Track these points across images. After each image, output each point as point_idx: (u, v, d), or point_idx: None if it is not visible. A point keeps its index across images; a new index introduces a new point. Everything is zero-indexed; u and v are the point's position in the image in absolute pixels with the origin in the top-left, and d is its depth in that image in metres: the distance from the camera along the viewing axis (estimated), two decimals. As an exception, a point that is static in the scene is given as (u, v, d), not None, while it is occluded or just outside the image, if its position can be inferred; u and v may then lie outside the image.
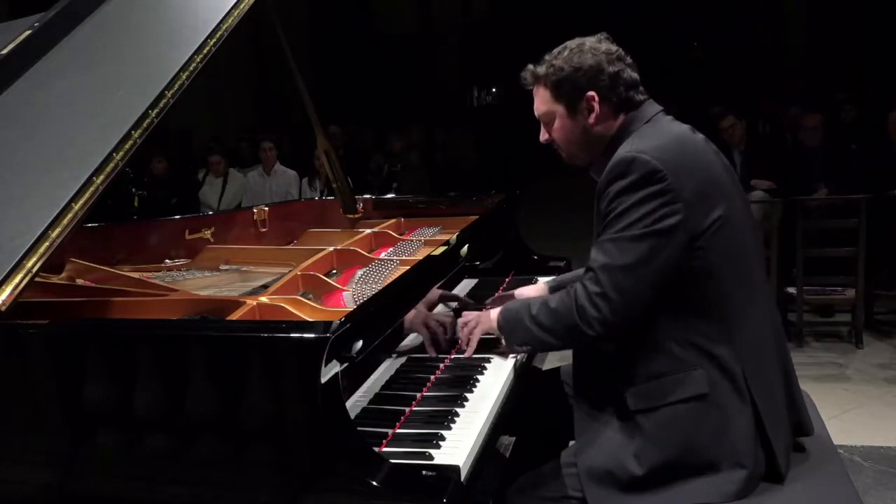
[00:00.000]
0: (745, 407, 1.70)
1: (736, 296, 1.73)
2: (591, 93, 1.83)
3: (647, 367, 1.73)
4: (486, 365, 2.03)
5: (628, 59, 1.87)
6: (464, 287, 2.71)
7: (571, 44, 1.89)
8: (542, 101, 1.92)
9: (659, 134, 1.79)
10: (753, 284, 1.79)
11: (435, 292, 2.27)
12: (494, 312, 2.00)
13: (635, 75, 1.87)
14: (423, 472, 1.47)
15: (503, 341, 1.98)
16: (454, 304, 2.41)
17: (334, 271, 2.50)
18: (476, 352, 2.06)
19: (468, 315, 2.11)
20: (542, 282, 2.45)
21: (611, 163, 1.75)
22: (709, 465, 1.68)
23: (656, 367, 1.72)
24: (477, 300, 2.60)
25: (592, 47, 1.85)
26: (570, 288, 1.77)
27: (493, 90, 20.81)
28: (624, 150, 1.75)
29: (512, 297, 2.39)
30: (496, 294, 2.53)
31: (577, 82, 1.84)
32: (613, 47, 1.87)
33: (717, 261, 1.70)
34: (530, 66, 1.93)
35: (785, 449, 1.76)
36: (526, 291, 2.43)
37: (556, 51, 1.90)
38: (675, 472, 1.69)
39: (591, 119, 1.85)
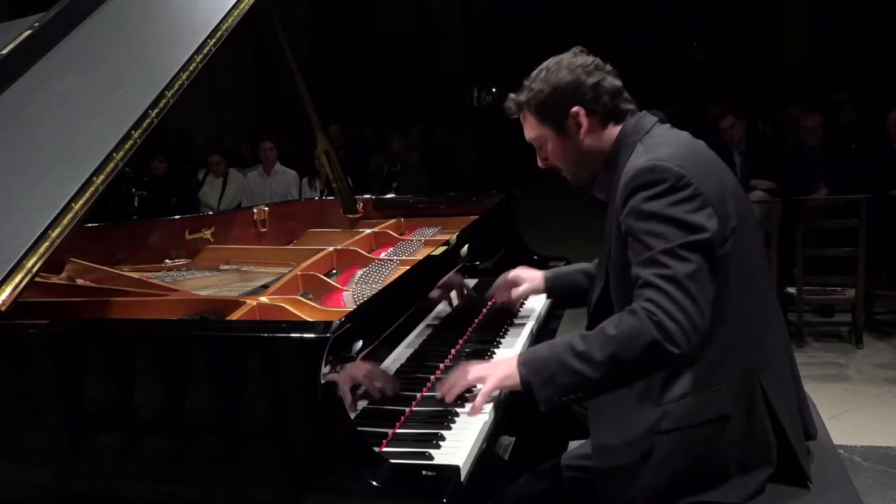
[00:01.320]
0: (763, 415, 1.69)
1: (751, 305, 1.71)
2: (576, 108, 1.80)
3: (669, 386, 1.67)
4: (486, 365, 2.03)
5: (607, 67, 1.84)
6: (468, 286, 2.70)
7: (548, 63, 1.86)
8: (530, 128, 1.89)
9: (668, 141, 1.75)
10: (764, 291, 1.78)
11: (453, 278, 2.26)
12: (508, 365, 1.69)
13: (617, 82, 1.84)
14: (423, 472, 1.47)
15: (484, 397, 1.71)
16: (455, 302, 2.40)
17: (334, 271, 2.50)
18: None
19: (465, 365, 1.79)
20: (540, 271, 2.41)
21: (629, 174, 1.69)
22: (724, 476, 1.67)
23: (680, 386, 1.67)
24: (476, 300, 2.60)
25: (568, 63, 1.83)
26: (629, 310, 1.58)
27: (493, 90, 20.81)
28: (639, 160, 1.70)
29: (515, 281, 2.38)
30: (497, 284, 2.46)
31: (559, 101, 1.81)
32: (590, 59, 1.84)
33: (734, 270, 1.67)
34: (511, 95, 1.91)
35: (804, 448, 1.75)
36: (525, 273, 2.38)
37: (533, 74, 1.87)
38: (690, 484, 1.67)
39: (581, 135, 1.82)
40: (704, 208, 1.61)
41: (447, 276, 2.28)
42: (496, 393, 1.75)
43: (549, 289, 2.40)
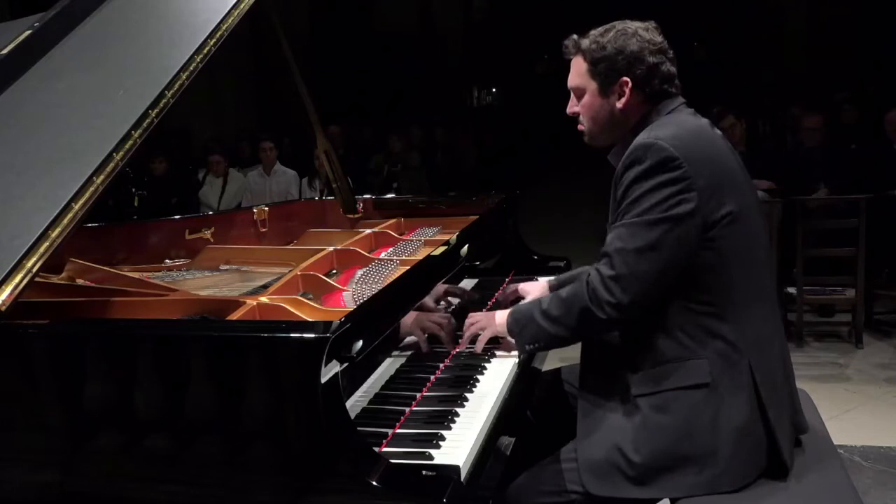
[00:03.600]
0: (748, 398, 1.72)
1: (743, 289, 1.76)
2: (626, 78, 1.84)
3: (653, 354, 1.76)
4: (486, 365, 2.03)
5: (670, 53, 1.88)
6: (463, 287, 2.70)
7: (619, 24, 1.90)
8: (577, 73, 1.92)
9: (677, 124, 1.81)
10: (761, 281, 1.82)
11: (440, 287, 2.29)
12: (503, 315, 1.99)
13: (673, 69, 1.89)
14: (423, 472, 1.47)
15: (513, 343, 1.99)
16: (457, 301, 2.41)
17: (334, 271, 2.50)
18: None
19: (476, 315, 2.11)
20: (544, 280, 2.46)
21: (629, 149, 1.78)
22: (708, 453, 1.69)
23: (662, 354, 1.75)
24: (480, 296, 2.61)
25: (638, 34, 1.85)
26: (582, 275, 1.80)
27: (493, 90, 20.80)
28: (642, 137, 1.77)
29: (515, 292, 2.42)
30: (497, 294, 2.53)
31: (616, 65, 1.85)
32: (658, 38, 1.87)
33: (726, 254, 1.73)
34: (574, 36, 1.94)
35: (789, 442, 1.77)
36: (528, 287, 2.43)
37: (602, 28, 1.90)
38: (674, 460, 1.70)
39: (620, 104, 1.86)
40: (687, 192, 1.69)
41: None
42: (516, 357, 2.05)
43: None
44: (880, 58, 12.14)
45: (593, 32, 1.91)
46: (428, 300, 2.28)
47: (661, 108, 1.87)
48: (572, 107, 1.96)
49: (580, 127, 1.97)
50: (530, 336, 1.90)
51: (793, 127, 7.03)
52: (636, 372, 1.78)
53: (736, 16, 16.92)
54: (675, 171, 1.69)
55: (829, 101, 8.41)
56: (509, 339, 2.01)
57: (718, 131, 1.88)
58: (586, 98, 1.91)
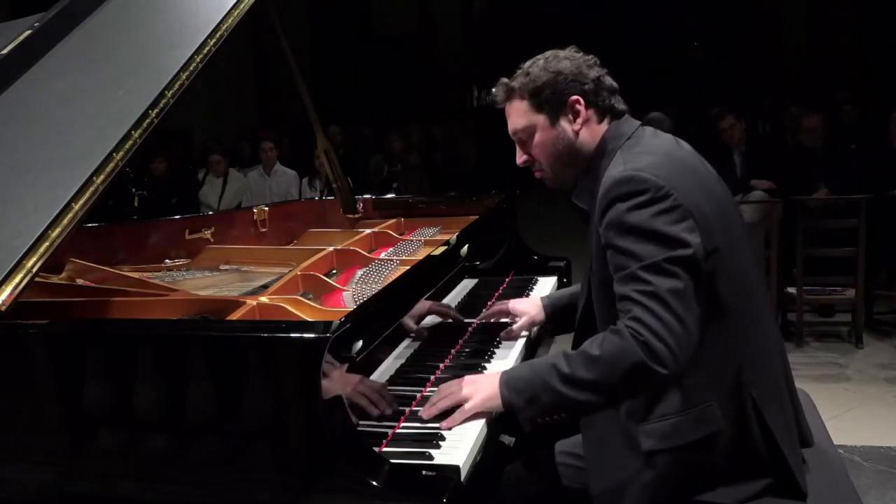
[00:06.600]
0: (755, 432, 1.65)
1: (742, 319, 1.65)
2: (576, 96, 1.74)
3: (659, 403, 1.63)
4: (486, 365, 2.03)
5: (604, 69, 1.79)
6: (463, 287, 2.71)
7: (545, 54, 1.79)
8: (518, 115, 1.79)
9: (646, 150, 1.69)
10: (757, 304, 1.72)
11: (424, 303, 2.17)
12: (491, 385, 1.65)
13: (614, 83, 1.79)
14: (423, 472, 1.47)
15: (517, 415, 1.65)
16: (440, 320, 2.32)
17: (334, 271, 2.51)
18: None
19: (450, 385, 1.72)
20: (537, 297, 2.31)
21: (606, 185, 1.63)
22: (724, 481, 1.65)
23: (669, 404, 1.62)
24: (476, 300, 2.60)
25: (568, 55, 1.77)
26: (612, 329, 1.54)
27: (493, 90, 20.76)
28: (616, 170, 1.64)
29: (505, 310, 2.29)
30: (487, 309, 2.38)
31: (559, 87, 1.73)
32: (589, 55, 1.79)
33: (723, 286, 1.61)
34: (504, 80, 1.81)
35: (797, 463, 1.70)
36: (520, 307, 2.27)
37: (528, 63, 1.79)
38: (680, 492, 1.66)
39: (577, 125, 1.74)
40: (685, 220, 1.55)
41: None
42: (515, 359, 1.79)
43: (551, 315, 2.25)
44: (880, 58, 12.15)
45: (520, 71, 1.79)
46: (408, 320, 2.11)
47: (618, 133, 1.74)
48: (521, 156, 1.83)
49: (538, 174, 1.84)
50: (547, 405, 1.59)
51: (793, 127, 7.02)
52: (643, 422, 1.64)
53: (736, 16, 16.91)
54: (666, 201, 1.55)
55: (829, 101, 8.43)
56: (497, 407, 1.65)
57: (686, 145, 1.76)
58: (537, 136, 1.77)
